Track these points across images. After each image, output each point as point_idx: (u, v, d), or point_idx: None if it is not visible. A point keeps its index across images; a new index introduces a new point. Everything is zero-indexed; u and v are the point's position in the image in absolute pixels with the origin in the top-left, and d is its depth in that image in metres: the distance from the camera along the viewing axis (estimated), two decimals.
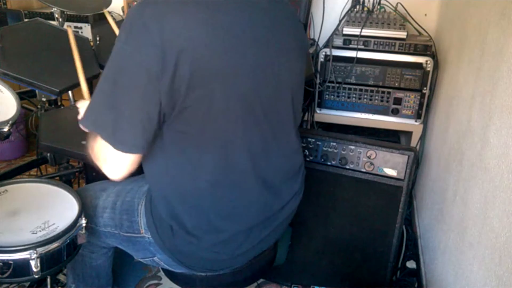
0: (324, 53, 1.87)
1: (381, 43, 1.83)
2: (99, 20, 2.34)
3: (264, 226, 1.07)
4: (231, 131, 0.93)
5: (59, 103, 1.84)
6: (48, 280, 1.30)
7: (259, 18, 0.93)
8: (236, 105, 0.91)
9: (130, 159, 0.88)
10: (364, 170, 1.53)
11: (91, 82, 2.31)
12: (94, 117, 0.87)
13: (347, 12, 2.08)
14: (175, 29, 0.80)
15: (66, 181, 1.60)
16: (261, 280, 1.72)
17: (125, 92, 0.83)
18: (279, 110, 1.01)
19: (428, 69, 1.79)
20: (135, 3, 2.41)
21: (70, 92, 1.97)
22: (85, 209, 1.12)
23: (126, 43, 0.82)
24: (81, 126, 0.93)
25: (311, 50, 2.06)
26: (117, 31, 1.18)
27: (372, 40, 1.83)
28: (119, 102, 0.84)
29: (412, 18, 2.02)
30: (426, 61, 1.79)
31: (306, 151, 1.59)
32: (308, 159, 1.59)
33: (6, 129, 1.30)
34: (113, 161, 0.89)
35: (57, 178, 1.57)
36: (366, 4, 2.10)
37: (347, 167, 1.55)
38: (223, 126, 0.91)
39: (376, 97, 1.88)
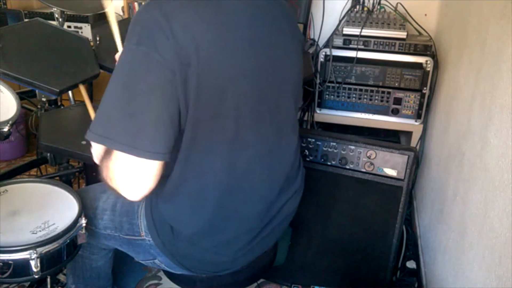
0: (324, 53, 1.87)
1: (381, 43, 1.83)
2: (99, 20, 2.34)
3: (265, 226, 1.07)
4: (239, 131, 0.92)
5: (59, 103, 1.84)
6: (48, 280, 1.30)
7: (260, 18, 0.93)
8: (245, 105, 0.91)
9: (150, 171, 0.82)
10: (364, 170, 1.53)
11: (91, 83, 2.31)
12: (108, 129, 0.80)
13: (347, 12, 2.08)
14: (184, 27, 0.80)
15: (66, 181, 1.60)
16: (261, 280, 1.72)
17: (143, 94, 0.79)
18: (282, 109, 1.01)
19: (428, 69, 1.79)
20: (135, 3, 2.42)
21: (70, 92, 1.97)
22: (85, 211, 1.11)
23: (139, 44, 0.79)
24: (90, 141, 0.83)
25: (311, 50, 2.06)
26: (116, 30, 1.16)
27: (372, 40, 1.83)
28: (137, 106, 0.79)
29: (412, 18, 2.02)
30: (426, 61, 1.78)
31: (306, 151, 1.59)
32: (308, 159, 1.59)
33: (6, 129, 1.30)
34: (132, 176, 0.83)
35: (57, 178, 1.57)
36: (366, 4, 2.10)
37: (347, 167, 1.55)
38: (231, 127, 0.91)
39: (376, 97, 1.88)
